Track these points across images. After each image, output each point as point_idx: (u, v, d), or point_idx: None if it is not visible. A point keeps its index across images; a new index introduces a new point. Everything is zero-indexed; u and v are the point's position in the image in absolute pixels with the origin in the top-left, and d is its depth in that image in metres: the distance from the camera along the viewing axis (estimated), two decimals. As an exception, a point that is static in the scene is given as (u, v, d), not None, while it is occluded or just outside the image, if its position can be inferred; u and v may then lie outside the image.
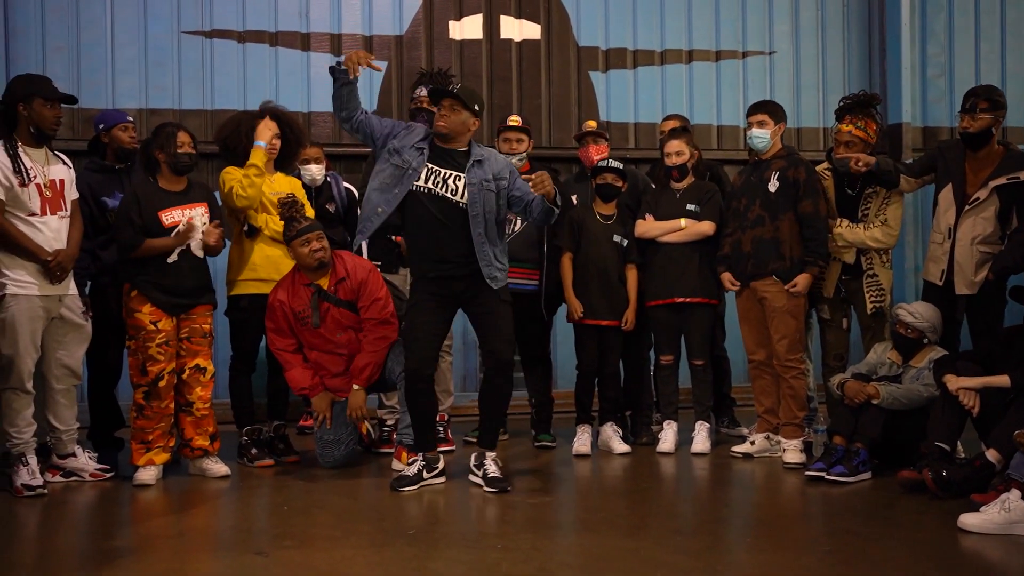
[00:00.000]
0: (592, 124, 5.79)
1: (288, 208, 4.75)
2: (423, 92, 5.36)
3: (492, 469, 4.48)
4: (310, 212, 4.99)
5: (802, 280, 4.96)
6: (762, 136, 5.04)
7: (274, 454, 5.07)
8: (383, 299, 4.90)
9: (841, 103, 5.15)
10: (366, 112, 4.49)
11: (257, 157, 4.85)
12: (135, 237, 4.57)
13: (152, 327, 4.59)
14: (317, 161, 5.52)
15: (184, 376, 4.70)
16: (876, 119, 5.11)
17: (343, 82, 4.34)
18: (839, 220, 5.12)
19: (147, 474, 4.60)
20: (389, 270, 5.40)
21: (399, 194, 4.38)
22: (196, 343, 4.73)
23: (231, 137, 4.99)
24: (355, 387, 4.83)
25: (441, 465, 4.58)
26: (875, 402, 4.63)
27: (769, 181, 5.01)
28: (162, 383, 4.59)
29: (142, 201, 4.61)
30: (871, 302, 5.10)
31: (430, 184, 4.37)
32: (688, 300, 5.25)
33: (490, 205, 4.42)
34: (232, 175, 4.87)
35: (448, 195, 4.37)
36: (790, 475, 4.79)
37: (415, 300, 4.52)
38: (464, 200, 4.37)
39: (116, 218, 4.73)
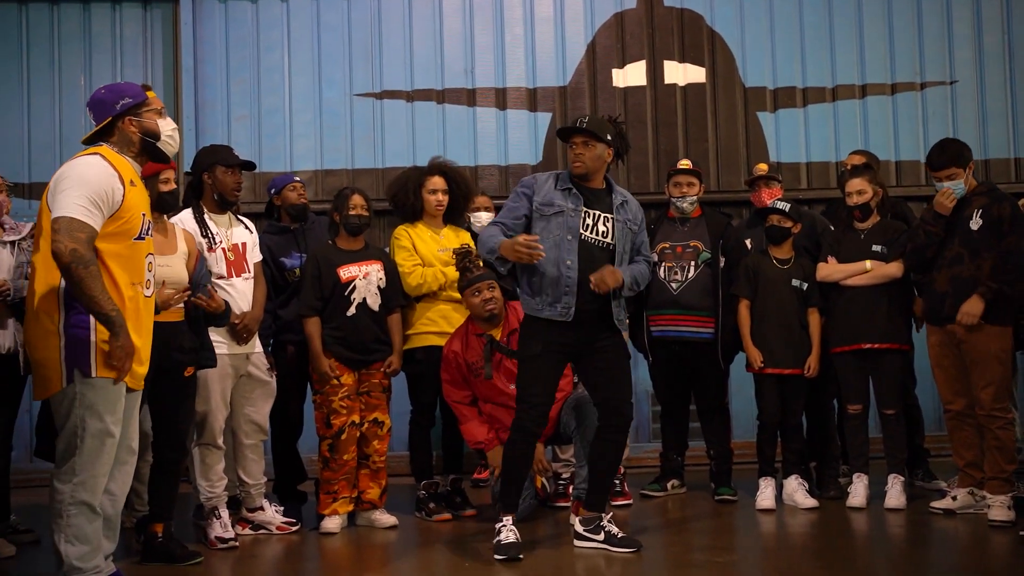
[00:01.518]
0: (763, 167, 5.64)
1: (462, 259, 4.83)
2: None
3: (614, 529, 4.26)
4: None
5: (969, 304, 4.59)
6: (957, 187, 4.74)
7: (451, 508, 5.08)
8: None
9: None
10: (508, 230, 4.29)
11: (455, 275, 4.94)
12: (311, 310, 4.77)
13: (335, 380, 4.71)
14: (488, 210, 5.62)
15: (363, 429, 4.80)
16: None
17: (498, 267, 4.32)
18: None
19: (333, 523, 4.71)
20: None
21: (572, 240, 4.18)
22: (375, 397, 4.84)
23: (400, 194, 5.13)
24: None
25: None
26: (1097, 455, 4.22)
27: (971, 219, 4.70)
28: (344, 435, 4.70)
29: (322, 262, 4.81)
30: (1092, 343, 4.69)
31: (590, 233, 4.23)
32: (876, 346, 4.97)
33: (628, 247, 4.34)
34: (412, 259, 4.98)
35: (600, 238, 4.26)
36: (999, 534, 4.42)
37: (533, 350, 4.21)
38: (612, 241, 4.26)
39: (300, 280, 4.91)
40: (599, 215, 4.27)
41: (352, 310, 4.80)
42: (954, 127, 6.87)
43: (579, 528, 4.33)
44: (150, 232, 3.57)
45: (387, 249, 5.19)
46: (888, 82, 7.02)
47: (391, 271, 4.95)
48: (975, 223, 4.69)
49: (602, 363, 4.26)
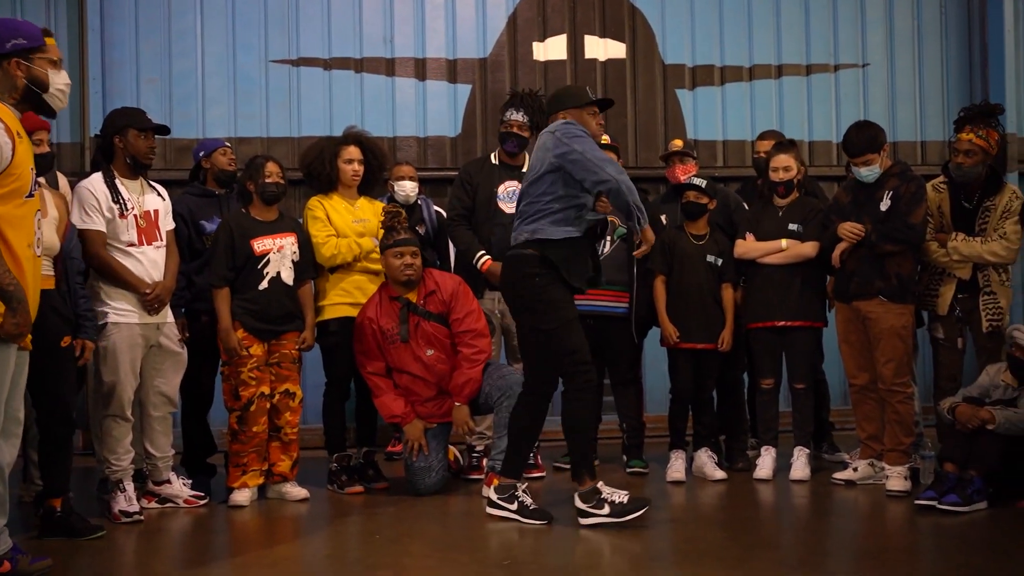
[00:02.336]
0: (678, 143, 5.69)
1: (391, 218, 4.82)
2: (513, 115, 5.31)
3: (528, 500, 4.27)
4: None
5: (845, 227, 4.79)
6: (870, 173, 4.85)
7: (364, 481, 5.05)
8: (476, 311, 4.90)
9: (962, 113, 4.96)
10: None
11: (370, 246, 4.95)
12: (222, 280, 4.68)
13: (244, 352, 4.64)
14: (412, 179, 5.63)
15: (274, 401, 4.74)
16: (998, 129, 4.89)
17: None
18: (955, 233, 4.90)
19: (242, 496, 4.65)
20: (476, 295, 5.36)
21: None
22: (286, 368, 4.78)
23: (315, 164, 5.04)
24: (457, 404, 4.81)
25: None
26: (990, 427, 4.39)
27: (882, 200, 4.82)
28: (253, 407, 4.63)
29: (235, 231, 4.71)
30: (987, 321, 4.85)
31: None
32: (789, 323, 5.08)
33: None
34: (326, 230, 4.92)
35: None
36: (896, 504, 4.58)
37: (572, 314, 4.18)
38: None
39: (210, 249, 4.80)
40: None
41: (265, 284, 4.72)
42: (865, 109, 7.04)
43: (493, 496, 4.32)
44: (37, 187, 3.37)
45: (300, 219, 5.10)
46: (803, 63, 7.15)
47: (305, 243, 4.87)
48: (884, 204, 4.81)
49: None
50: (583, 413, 4.24)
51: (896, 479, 4.76)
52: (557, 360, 4.18)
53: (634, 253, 4.44)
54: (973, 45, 7.27)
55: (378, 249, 4.94)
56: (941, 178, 5.08)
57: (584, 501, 4.14)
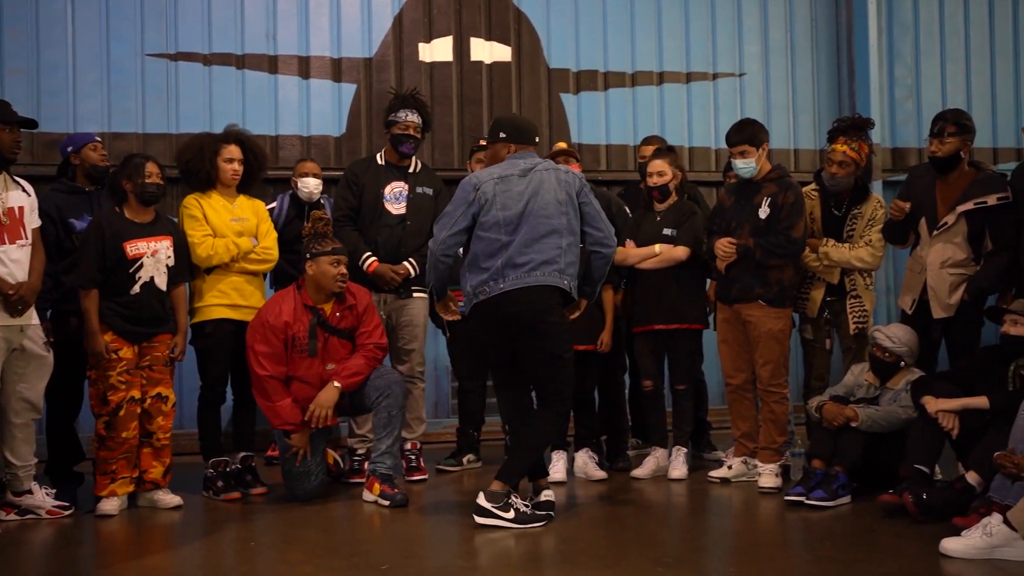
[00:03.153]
0: (562, 145, 5.74)
1: (318, 223, 4.74)
2: (409, 117, 5.26)
3: (521, 506, 4.26)
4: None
5: (719, 245, 4.94)
6: (746, 166, 4.99)
7: (241, 486, 4.93)
8: (382, 326, 4.89)
9: (835, 124, 5.14)
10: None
11: (248, 246, 4.86)
12: (90, 282, 4.49)
13: (113, 355, 4.47)
14: (316, 176, 5.59)
15: (146, 405, 4.58)
16: (868, 142, 5.10)
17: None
18: (826, 239, 5.09)
19: (110, 505, 4.47)
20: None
21: None
22: (158, 371, 4.62)
23: (195, 161, 4.89)
24: (335, 384, 4.66)
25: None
26: (854, 425, 4.58)
27: (760, 207, 4.96)
28: (122, 412, 4.46)
29: (107, 232, 4.52)
30: (854, 323, 5.08)
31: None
32: (668, 327, 5.18)
33: None
34: (202, 230, 4.79)
35: None
36: (768, 500, 4.73)
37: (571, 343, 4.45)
38: None
39: (79, 249, 4.60)
40: None
41: (137, 289, 4.55)
42: (742, 116, 7.21)
43: (485, 503, 4.13)
44: None
45: (175, 219, 4.95)
46: (683, 71, 7.33)
47: (180, 246, 4.72)
48: (763, 211, 4.94)
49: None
50: (552, 433, 4.53)
51: (768, 476, 4.91)
52: (563, 383, 4.34)
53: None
54: (841, 60, 7.59)
55: (257, 250, 4.84)
56: (813, 185, 5.27)
57: (491, 500, 4.14)
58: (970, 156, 4.89)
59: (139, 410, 4.55)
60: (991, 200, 4.69)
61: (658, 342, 5.26)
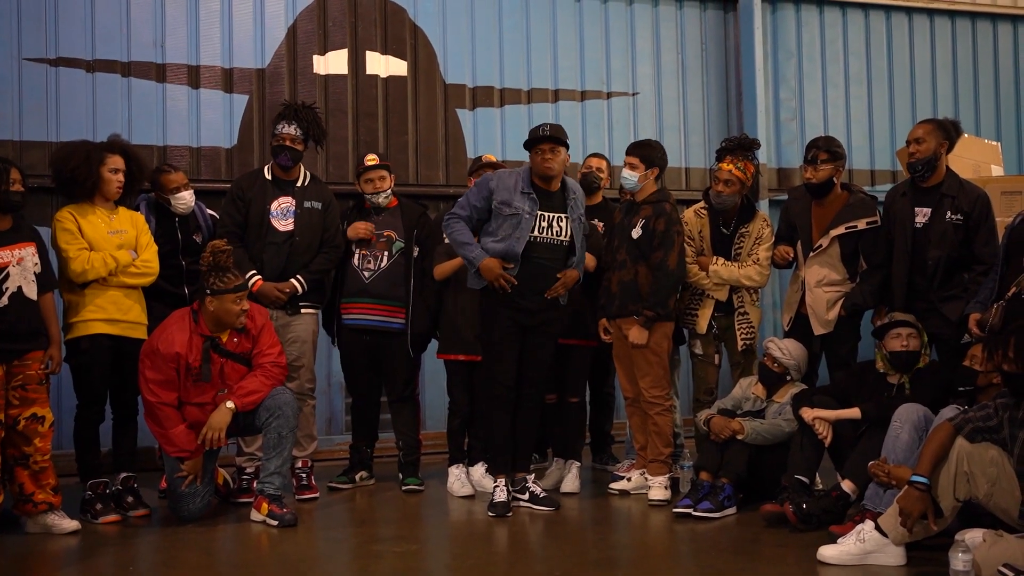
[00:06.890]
0: (491, 157, 5.68)
1: (220, 255, 4.51)
2: (285, 128, 5.19)
3: (537, 489, 4.92)
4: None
5: (633, 331, 4.98)
6: (629, 178, 5.08)
7: (121, 508, 4.75)
8: (280, 346, 4.78)
9: (723, 144, 5.27)
10: (466, 222, 4.75)
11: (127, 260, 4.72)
12: None
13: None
14: (187, 187, 5.18)
15: (19, 428, 4.35)
16: (754, 162, 5.25)
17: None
18: (715, 258, 5.22)
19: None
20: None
21: (521, 238, 4.66)
22: (33, 391, 4.40)
23: (80, 169, 4.67)
24: (228, 405, 4.53)
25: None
26: (740, 437, 4.70)
27: (634, 227, 5.06)
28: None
29: None
30: (742, 339, 5.23)
31: (543, 235, 4.71)
32: (564, 342, 5.20)
33: (581, 239, 4.88)
34: (77, 243, 4.60)
35: (554, 237, 4.74)
36: (657, 512, 4.81)
37: (499, 329, 4.73)
38: (567, 238, 4.78)
39: None
40: (555, 215, 4.74)
41: (5, 300, 4.32)
42: (635, 135, 7.37)
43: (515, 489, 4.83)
44: None
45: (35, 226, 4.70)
46: (578, 89, 7.43)
47: (45, 251, 4.53)
48: (636, 232, 5.04)
49: (536, 342, 4.85)
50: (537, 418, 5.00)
51: (657, 489, 5.00)
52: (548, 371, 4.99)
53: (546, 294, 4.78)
54: (730, 82, 7.81)
55: (137, 263, 4.70)
56: (702, 204, 5.40)
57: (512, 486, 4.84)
58: (842, 180, 5.12)
59: (2, 433, 4.31)
60: (861, 224, 4.96)
61: (557, 356, 5.27)
